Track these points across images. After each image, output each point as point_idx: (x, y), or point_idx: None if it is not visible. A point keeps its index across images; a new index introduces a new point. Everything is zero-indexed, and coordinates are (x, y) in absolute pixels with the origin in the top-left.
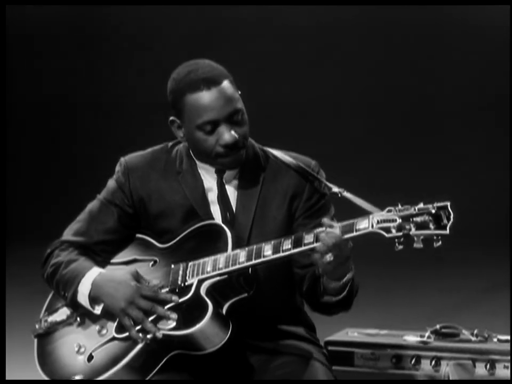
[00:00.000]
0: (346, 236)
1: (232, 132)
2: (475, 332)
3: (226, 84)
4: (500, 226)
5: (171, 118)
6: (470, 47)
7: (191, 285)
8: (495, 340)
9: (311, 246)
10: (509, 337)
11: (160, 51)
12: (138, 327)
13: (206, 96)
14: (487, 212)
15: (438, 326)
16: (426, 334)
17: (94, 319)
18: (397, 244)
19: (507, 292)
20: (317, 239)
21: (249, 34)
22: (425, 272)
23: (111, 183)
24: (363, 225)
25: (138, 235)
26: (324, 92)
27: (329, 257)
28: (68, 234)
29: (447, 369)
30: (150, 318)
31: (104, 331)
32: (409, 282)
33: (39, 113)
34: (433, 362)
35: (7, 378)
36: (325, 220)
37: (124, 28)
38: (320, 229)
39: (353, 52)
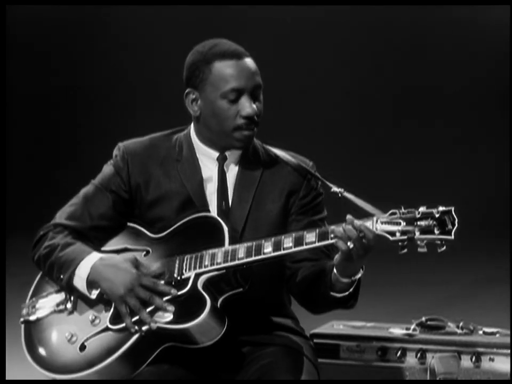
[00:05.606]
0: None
1: (254, 105)
2: (460, 324)
3: (251, 59)
4: (487, 220)
5: (188, 89)
6: (470, 47)
7: (188, 279)
8: (480, 332)
9: (313, 245)
10: (494, 330)
11: (159, 47)
12: (134, 318)
13: (235, 64)
14: (475, 206)
15: (423, 319)
16: (412, 327)
17: (86, 307)
18: (400, 248)
19: (492, 285)
20: (319, 238)
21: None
22: (411, 265)
23: (107, 168)
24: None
25: (129, 224)
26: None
27: (350, 243)
28: (61, 217)
29: (432, 362)
30: (148, 309)
31: (97, 321)
32: (395, 275)
33: (41, 108)
34: (418, 354)
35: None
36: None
37: (123, 26)
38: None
39: (352, 52)
